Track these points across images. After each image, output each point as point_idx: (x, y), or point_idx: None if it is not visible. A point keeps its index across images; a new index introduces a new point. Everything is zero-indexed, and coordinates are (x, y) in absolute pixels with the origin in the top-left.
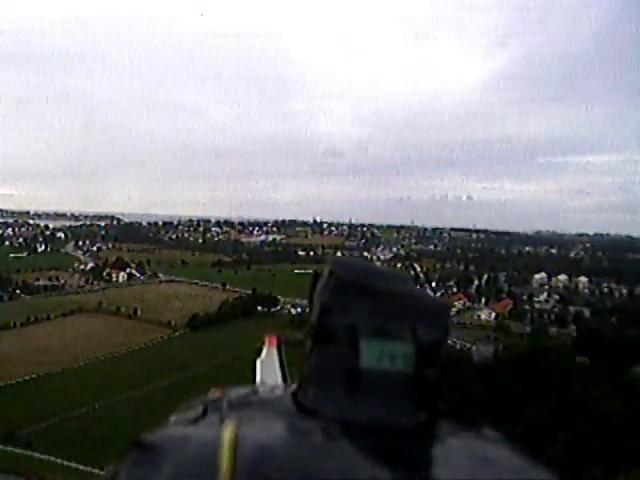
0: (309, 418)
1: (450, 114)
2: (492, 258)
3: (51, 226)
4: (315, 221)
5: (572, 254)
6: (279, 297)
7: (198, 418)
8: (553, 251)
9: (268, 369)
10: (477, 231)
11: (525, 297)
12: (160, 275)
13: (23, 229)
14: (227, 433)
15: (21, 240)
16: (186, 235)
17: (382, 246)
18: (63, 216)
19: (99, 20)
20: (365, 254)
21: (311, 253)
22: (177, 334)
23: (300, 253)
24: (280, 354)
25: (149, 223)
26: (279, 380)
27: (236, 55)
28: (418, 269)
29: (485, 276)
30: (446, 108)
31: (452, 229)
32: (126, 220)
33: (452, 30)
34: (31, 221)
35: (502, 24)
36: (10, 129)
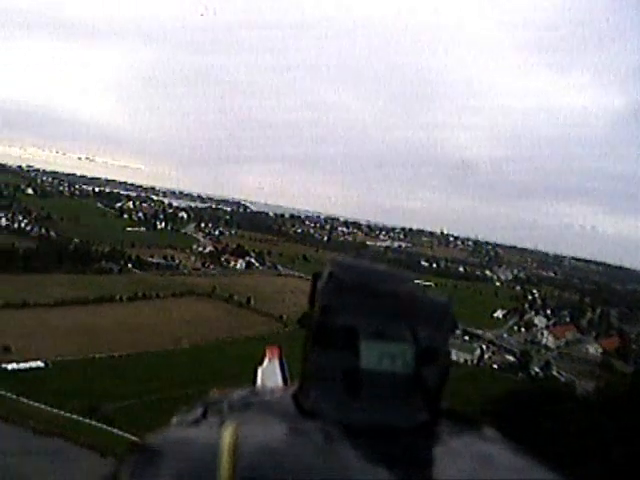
0: (309, 420)
1: (583, 144)
2: (607, 292)
3: (174, 204)
4: (442, 233)
5: None
6: None
7: (198, 420)
8: None
9: (269, 379)
10: (597, 263)
11: (634, 336)
12: (279, 267)
13: (145, 204)
14: (227, 435)
15: (141, 215)
16: (312, 231)
17: (504, 266)
18: (188, 196)
19: (256, 11)
20: (487, 273)
21: (434, 265)
22: (287, 329)
23: (423, 263)
24: (282, 365)
25: (276, 214)
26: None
27: (384, 58)
28: (536, 294)
29: (598, 310)
30: (580, 137)
31: (573, 258)
32: (253, 208)
33: (591, 62)
34: (155, 197)
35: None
36: (148, 105)
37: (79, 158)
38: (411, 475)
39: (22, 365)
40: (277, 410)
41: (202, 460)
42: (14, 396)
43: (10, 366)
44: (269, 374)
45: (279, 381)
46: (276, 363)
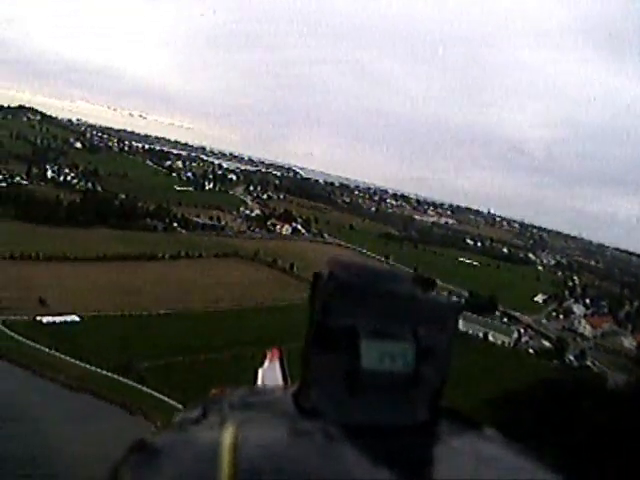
0: (310, 419)
1: (636, 134)
2: None
3: (224, 166)
4: (489, 212)
5: None
6: (437, 282)
7: (199, 420)
8: None
9: (269, 380)
10: (639, 256)
11: None
12: (325, 235)
13: (194, 164)
14: (228, 435)
15: (190, 175)
16: (360, 201)
17: (548, 251)
18: (239, 158)
19: None
20: (530, 256)
21: (479, 244)
22: None
23: (469, 242)
24: (282, 367)
25: (326, 182)
26: None
27: (442, 34)
28: (577, 282)
29: (636, 303)
30: (633, 127)
31: (615, 249)
32: (303, 174)
33: None
34: (205, 157)
35: None
36: (203, 65)
37: (130, 114)
38: (411, 475)
39: (57, 319)
40: (277, 410)
41: (203, 460)
42: (47, 349)
43: (45, 319)
44: (270, 376)
45: (279, 382)
46: (277, 365)
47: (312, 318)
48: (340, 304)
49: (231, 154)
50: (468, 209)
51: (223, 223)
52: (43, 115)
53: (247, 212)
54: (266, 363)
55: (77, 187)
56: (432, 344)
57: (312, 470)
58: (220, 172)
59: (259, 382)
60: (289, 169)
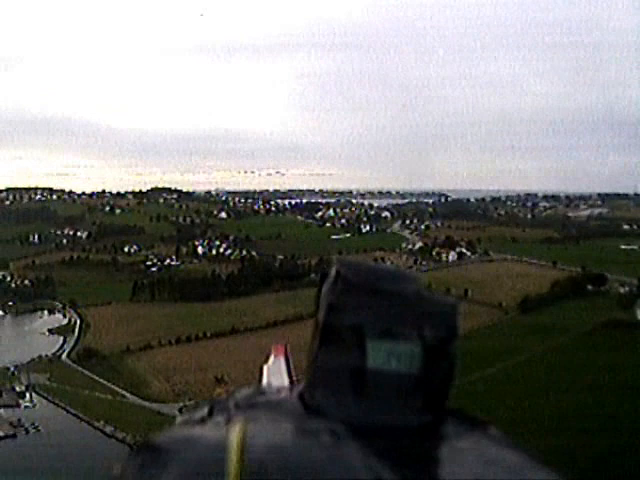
0: (316, 419)
1: None
2: None
3: (376, 205)
4: (635, 193)
5: None
6: (607, 275)
7: (205, 418)
8: None
9: (274, 377)
10: None
11: None
12: (491, 253)
13: (346, 209)
14: (234, 434)
15: (344, 221)
16: (515, 211)
17: None
18: (388, 194)
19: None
20: None
21: (635, 227)
22: (507, 317)
23: (625, 227)
24: (288, 364)
25: (477, 199)
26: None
27: (550, 25)
28: None
29: None
30: None
31: None
32: (454, 196)
33: None
34: (354, 201)
35: None
36: (330, 111)
37: (269, 174)
38: (416, 475)
39: None
40: (283, 409)
41: (209, 458)
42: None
43: None
44: (275, 372)
45: (285, 379)
46: (282, 361)
47: (318, 317)
48: (346, 304)
49: (380, 192)
50: (616, 194)
51: (388, 263)
52: (179, 192)
53: (409, 247)
54: (271, 359)
55: (232, 257)
56: (438, 344)
57: (318, 469)
58: (372, 212)
59: (264, 379)
60: (440, 194)
